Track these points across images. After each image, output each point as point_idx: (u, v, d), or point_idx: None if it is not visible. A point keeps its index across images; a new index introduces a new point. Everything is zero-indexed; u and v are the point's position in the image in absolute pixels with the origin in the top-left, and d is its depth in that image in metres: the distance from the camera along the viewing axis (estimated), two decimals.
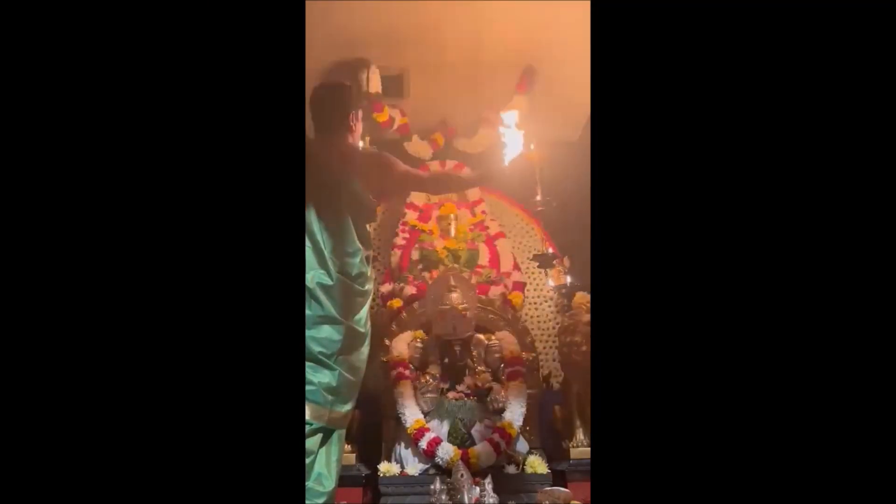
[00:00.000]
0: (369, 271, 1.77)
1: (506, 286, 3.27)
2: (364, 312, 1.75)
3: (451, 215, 3.45)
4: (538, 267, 3.38)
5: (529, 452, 2.77)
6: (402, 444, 2.75)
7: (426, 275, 3.24)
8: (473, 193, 3.56)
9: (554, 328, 3.34)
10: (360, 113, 1.96)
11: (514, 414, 2.76)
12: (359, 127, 1.94)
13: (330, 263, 1.67)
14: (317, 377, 1.62)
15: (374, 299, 3.08)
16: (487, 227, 3.46)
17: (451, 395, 2.83)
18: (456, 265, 3.23)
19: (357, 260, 1.72)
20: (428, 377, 2.85)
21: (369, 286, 1.77)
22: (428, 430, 2.71)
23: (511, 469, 2.68)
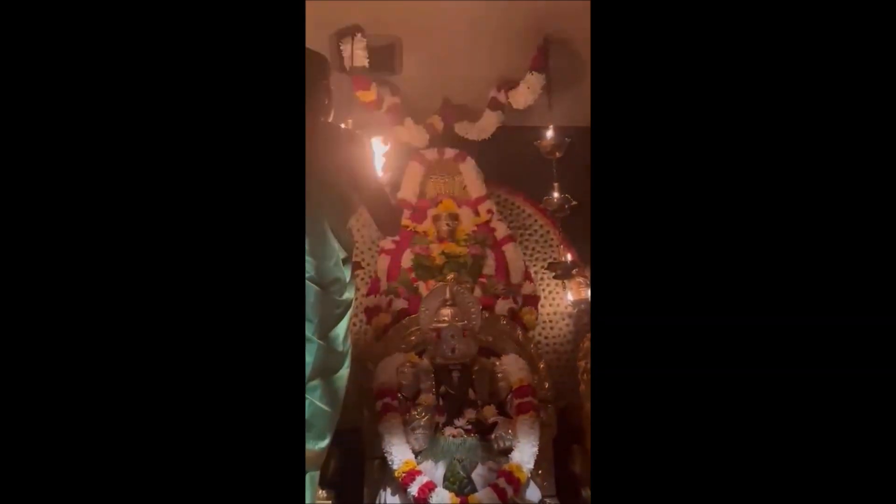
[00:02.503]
0: (348, 277, 1.76)
1: (515, 300, 3.28)
2: (342, 328, 1.75)
3: (449, 214, 3.45)
4: (554, 278, 3.38)
5: (542, 501, 2.76)
6: (389, 490, 2.74)
7: (420, 286, 3.24)
8: (478, 189, 3.56)
9: (573, 352, 3.32)
10: (330, 84, 1.96)
11: (524, 454, 2.75)
12: (330, 102, 1.96)
13: None
14: None
15: (356, 315, 3.10)
16: (494, 230, 3.46)
17: (447, 431, 2.82)
18: (456, 274, 3.24)
19: (331, 263, 1.71)
20: (420, 409, 2.85)
21: (348, 295, 1.76)
22: (420, 472, 2.70)
23: None
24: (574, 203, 3.24)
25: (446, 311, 2.95)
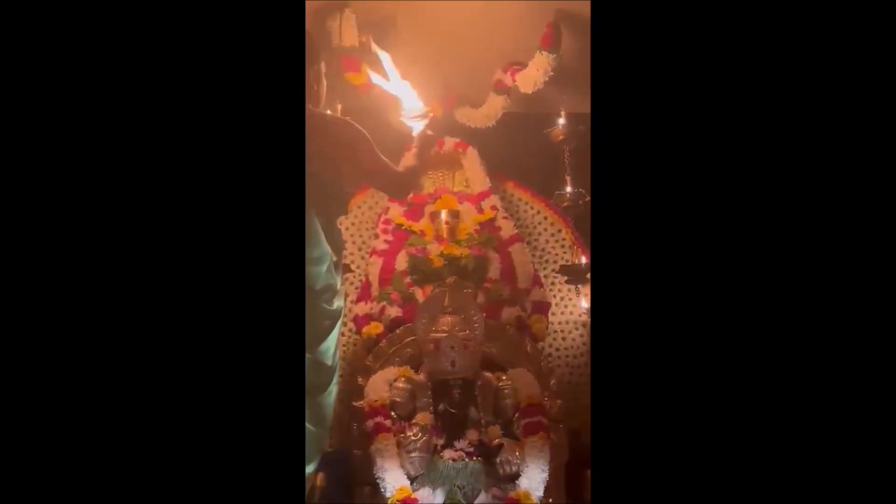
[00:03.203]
0: (339, 283, 1.76)
1: (523, 308, 3.27)
2: (332, 340, 1.76)
3: (449, 211, 3.43)
4: (567, 282, 3.36)
5: None
6: None
7: (416, 291, 3.22)
8: (481, 183, 3.54)
9: (587, 365, 3.31)
10: (323, 68, 1.96)
11: (533, 481, 2.74)
12: (322, 89, 1.97)
13: None
14: None
15: (344, 324, 3.08)
16: (499, 228, 3.45)
17: (447, 454, 2.82)
18: (456, 278, 3.22)
19: (323, 269, 1.72)
20: (416, 430, 2.83)
21: (339, 303, 1.76)
22: (416, 501, 2.69)
23: None
24: (588, 199, 3.22)
25: (445, 320, 2.93)
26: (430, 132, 2.15)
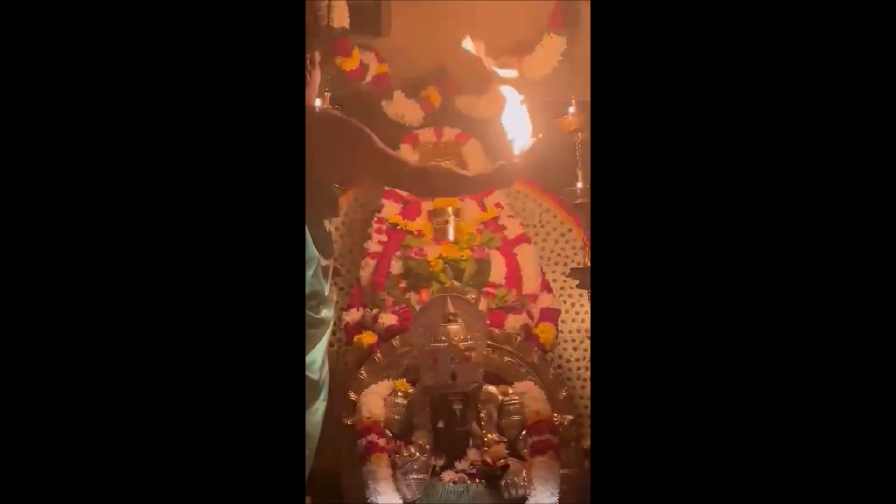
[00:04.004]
0: (327, 291, 1.76)
1: (530, 315, 3.27)
2: (319, 352, 1.76)
3: (450, 209, 3.43)
4: (578, 287, 3.35)
5: None
6: None
7: (412, 296, 3.22)
8: None
9: None
10: (318, 57, 2.00)
11: None
12: (315, 78, 1.99)
13: None
14: None
15: (333, 333, 3.08)
16: (504, 228, 3.45)
17: (446, 476, 2.83)
18: (457, 283, 3.23)
19: (310, 273, 1.71)
20: (413, 449, 2.85)
21: (327, 313, 1.76)
22: None
23: None
24: None
25: (445, 329, 2.93)
26: None
